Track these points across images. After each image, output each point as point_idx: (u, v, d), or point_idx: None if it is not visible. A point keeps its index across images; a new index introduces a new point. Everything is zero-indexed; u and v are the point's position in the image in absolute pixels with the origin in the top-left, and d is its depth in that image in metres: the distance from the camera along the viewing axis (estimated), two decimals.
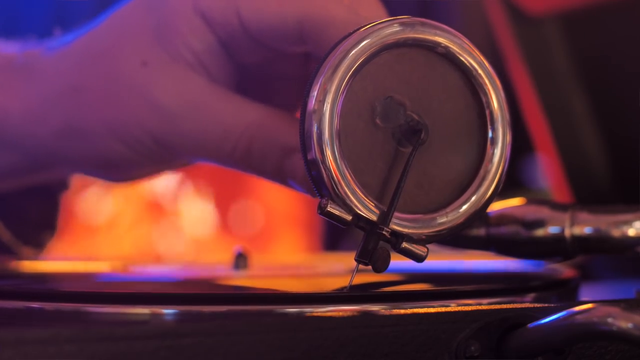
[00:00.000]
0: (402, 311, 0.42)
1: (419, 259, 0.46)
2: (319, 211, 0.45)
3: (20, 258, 0.67)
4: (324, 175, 0.45)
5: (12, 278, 0.60)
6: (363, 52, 0.46)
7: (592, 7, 0.78)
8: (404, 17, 0.47)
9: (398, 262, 0.48)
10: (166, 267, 0.69)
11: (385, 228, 0.45)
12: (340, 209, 0.45)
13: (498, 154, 0.47)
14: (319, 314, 0.43)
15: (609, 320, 0.39)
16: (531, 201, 0.52)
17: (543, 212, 0.51)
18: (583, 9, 0.79)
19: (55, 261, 0.71)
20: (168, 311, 0.43)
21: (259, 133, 0.54)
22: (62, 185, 0.69)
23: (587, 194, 0.78)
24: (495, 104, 0.47)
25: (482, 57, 0.47)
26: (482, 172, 0.47)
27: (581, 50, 0.79)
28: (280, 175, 0.54)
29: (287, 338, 0.40)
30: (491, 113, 0.47)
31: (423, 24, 0.47)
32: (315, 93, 0.45)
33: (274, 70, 0.58)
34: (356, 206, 0.45)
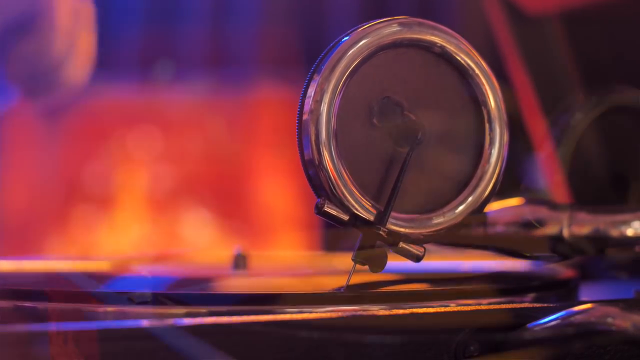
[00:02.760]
0: (402, 311, 0.42)
1: (416, 258, 0.46)
2: (316, 211, 0.45)
3: None
4: (321, 176, 0.45)
5: (11, 278, 0.60)
6: (360, 52, 0.46)
7: (592, 7, 0.78)
8: (401, 17, 0.47)
9: (398, 262, 0.48)
10: (166, 267, 0.69)
11: (382, 228, 0.45)
12: (337, 209, 0.45)
13: (495, 154, 0.47)
14: (318, 314, 0.43)
15: (608, 320, 0.39)
16: (530, 201, 0.52)
17: (542, 212, 0.51)
18: (583, 9, 0.78)
19: (55, 261, 0.71)
20: (168, 311, 0.43)
21: None
22: None
23: (587, 194, 0.78)
24: (492, 103, 0.47)
25: (479, 57, 0.47)
26: (479, 172, 0.47)
27: (581, 50, 0.79)
28: None
29: (287, 338, 0.40)
30: (488, 113, 0.47)
31: (420, 24, 0.47)
32: (312, 93, 0.45)
33: None
34: (353, 206, 0.45)
